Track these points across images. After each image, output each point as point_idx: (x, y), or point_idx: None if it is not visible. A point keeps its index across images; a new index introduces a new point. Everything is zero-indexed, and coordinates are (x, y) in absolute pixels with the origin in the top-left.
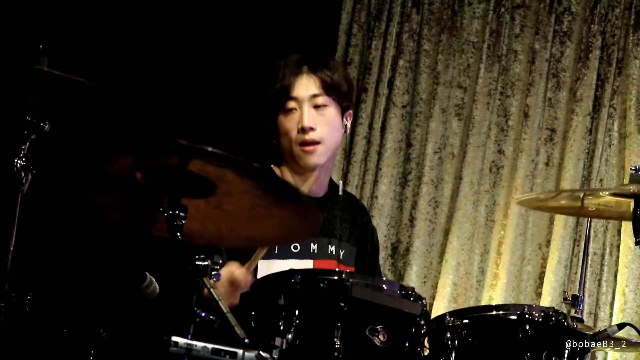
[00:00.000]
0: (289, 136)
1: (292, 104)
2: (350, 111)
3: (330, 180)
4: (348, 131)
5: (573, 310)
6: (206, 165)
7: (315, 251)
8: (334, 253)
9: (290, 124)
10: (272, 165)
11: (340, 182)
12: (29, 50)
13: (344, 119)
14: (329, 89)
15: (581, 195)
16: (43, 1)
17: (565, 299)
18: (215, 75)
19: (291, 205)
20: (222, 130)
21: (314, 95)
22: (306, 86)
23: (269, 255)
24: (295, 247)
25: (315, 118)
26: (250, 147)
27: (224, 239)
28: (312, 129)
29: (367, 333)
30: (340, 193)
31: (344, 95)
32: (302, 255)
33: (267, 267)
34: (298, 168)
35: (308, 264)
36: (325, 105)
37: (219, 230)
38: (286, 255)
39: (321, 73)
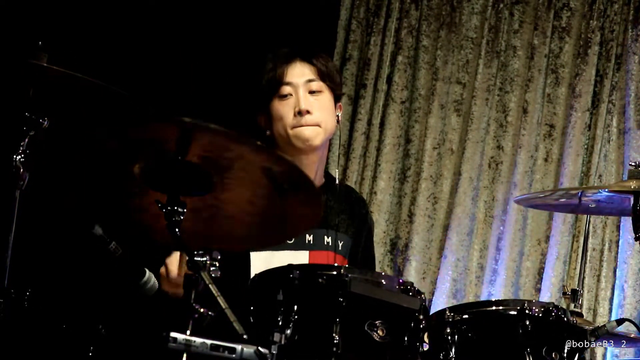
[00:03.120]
0: (284, 121)
1: (287, 90)
2: (340, 103)
3: (326, 171)
4: (340, 122)
5: (572, 305)
6: (210, 148)
7: (311, 242)
8: (330, 244)
9: (285, 108)
10: None
11: (337, 170)
12: (28, 46)
13: (336, 109)
14: (323, 75)
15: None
16: None
17: (564, 293)
18: (212, 70)
19: (292, 198)
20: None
21: (309, 80)
22: (300, 72)
23: (264, 246)
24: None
25: (311, 102)
26: None
27: (215, 240)
28: (308, 112)
29: (365, 328)
30: (337, 183)
31: (337, 84)
32: (298, 246)
33: (262, 258)
34: (293, 152)
35: (304, 255)
36: (320, 91)
37: (210, 232)
38: (282, 247)
39: (315, 61)
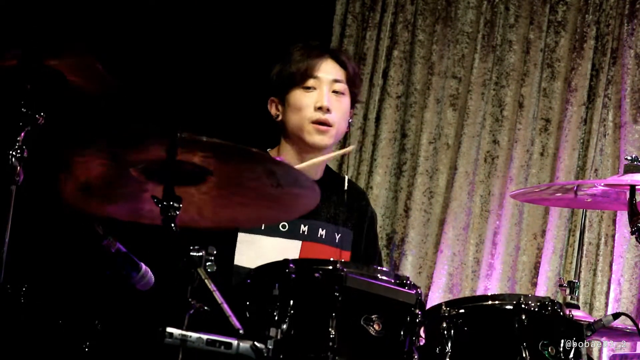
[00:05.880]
0: (303, 113)
1: (312, 82)
2: (353, 110)
3: (327, 166)
4: (350, 127)
5: (569, 297)
6: (201, 154)
7: (305, 233)
8: (323, 237)
9: (307, 100)
10: (268, 149)
11: (346, 175)
12: (25, 43)
13: (350, 114)
14: (350, 79)
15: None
16: None
17: (561, 285)
18: (209, 64)
19: (289, 189)
20: (216, 116)
21: (336, 80)
22: (330, 70)
23: (254, 231)
24: (284, 226)
25: (333, 102)
26: (243, 131)
27: (203, 221)
28: (329, 110)
29: (362, 323)
30: (346, 187)
31: (358, 91)
32: (291, 235)
33: (252, 243)
34: (301, 146)
35: (296, 244)
36: (342, 93)
37: (200, 213)
38: (273, 233)
39: (347, 64)
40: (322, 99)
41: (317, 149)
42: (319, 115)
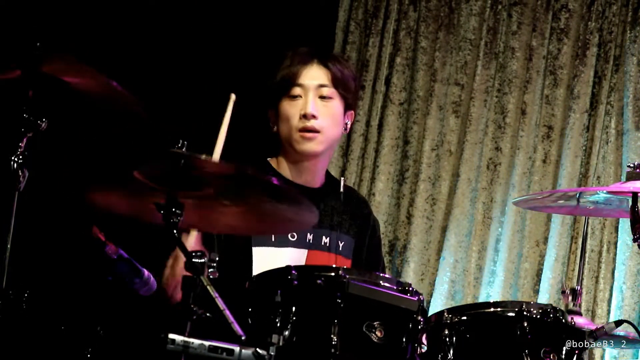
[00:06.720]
0: (290, 122)
1: (297, 91)
2: (352, 111)
3: (328, 173)
4: (348, 130)
5: (571, 304)
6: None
7: (311, 241)
8: (327, 245)
9: (293, 110)
10: (267, 159)
11: (342, 179)
12: (27, 48)
13: (346, 117)
14: (337, 82)
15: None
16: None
17: (563, 291)
18: (212, 71)
19: (286, 205)
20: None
21: (321, 85)
22: (314, 75)
23: (266, 244)
24: (293, 236)
25: (319, 107)
26: (247, 140)
27: (203, 225)
28: (314, 116)
29: (364, 329)
30: (342, 190)
31: (350, 92)
32: (299, 244)
33: (265, 254)
34: (295, 155)
35: (303, 253)
36: (330, 98)
37: (201, 217)
38: (284, 244)
39: (332, 66)
40: (305, 106)
41: (309, 157)
42: (304, 123)
